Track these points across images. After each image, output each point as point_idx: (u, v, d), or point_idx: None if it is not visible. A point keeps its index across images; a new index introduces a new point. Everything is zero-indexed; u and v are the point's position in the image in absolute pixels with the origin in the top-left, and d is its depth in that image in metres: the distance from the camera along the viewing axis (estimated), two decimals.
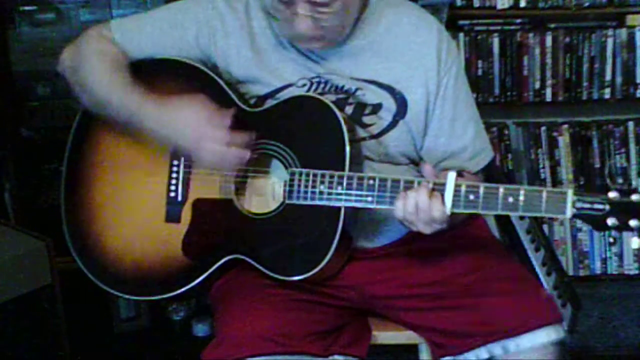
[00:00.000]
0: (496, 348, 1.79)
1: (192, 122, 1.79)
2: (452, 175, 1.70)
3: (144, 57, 1.95)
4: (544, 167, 3.13)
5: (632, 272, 3.13)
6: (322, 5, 1.75)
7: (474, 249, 1.92)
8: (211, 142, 1.78)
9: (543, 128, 3.13)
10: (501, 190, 1.69)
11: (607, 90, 3.08)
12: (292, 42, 1.86)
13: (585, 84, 3.08)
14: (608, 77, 3.08)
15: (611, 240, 1.76)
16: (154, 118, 1.83)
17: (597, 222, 1.66)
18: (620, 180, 1.67)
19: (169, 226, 1.92)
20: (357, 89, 1.88)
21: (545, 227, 3.09)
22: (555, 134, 3.12)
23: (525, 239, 2.75)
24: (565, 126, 3.13)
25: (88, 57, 1.92)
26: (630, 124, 3.11)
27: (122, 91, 1.86)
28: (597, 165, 3.09)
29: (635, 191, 1.64)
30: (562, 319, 1.82)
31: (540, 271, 2.72)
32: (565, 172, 3.12)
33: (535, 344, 1.77)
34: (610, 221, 1.65)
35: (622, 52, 3.06)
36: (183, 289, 1.90)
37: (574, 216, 1.66)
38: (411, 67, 1.87)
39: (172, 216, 1.92)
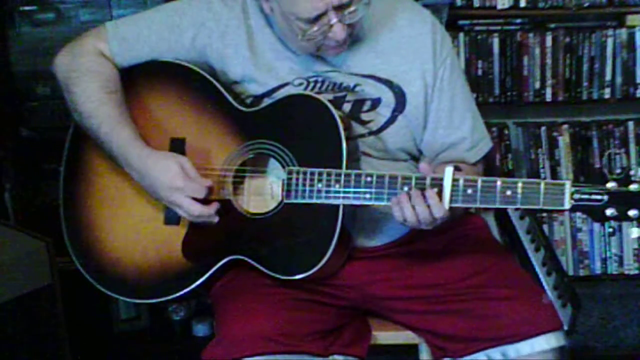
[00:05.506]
0: (495, 354, 1.79)
1: (167, 185, 1.83)
2: (449, 170, 1.71)
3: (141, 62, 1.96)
4: (544, 167, 3.12)
5: (632, 272, 3.12)
6: (348, 5, 1.75)
7: (474, 251, 1.92)
8: (183, 211, 1.84)
9: (543, 128, 3.12)
10: (499, 183, 1.69)
11: (607, 90, 3.07)
12: (319, 54, 1.85)
13: (585, 84, 3.07)
14: (608, 77, 3.07)
15: (610, 230, 1.75)
16: (135, 164, 1.85)
17: (596, 213, 1.66)
18: (618, 171, 1.65)
19: (168, 228, 1.92)
20: (355, 85, 1.88)
21: (545, 227, 3.08)
22: (555, 134, 3.11)
23: (525, 239, 2.74)
24: (565, 126, 3.12)
25: (80, 77, 1.91)
26: (630, 124, 3.10)
27: (109, 125, 1.87)
28: (597, 166, 3.09)
29: (633, 181, 1.63)
30: (562, 325, 1.81)
31: (540, 271, 2.71)
32: (565, 172, 3.11)
33: (535, 350, 1.77)
34: (609, 212, 1.64)
35: (622, 52, 3.05)
36: (183, 292, 1.90)
37: (573, 208, 1.66)
38: (407, 60, 1.88)
39: (171, 218, 1.91)
